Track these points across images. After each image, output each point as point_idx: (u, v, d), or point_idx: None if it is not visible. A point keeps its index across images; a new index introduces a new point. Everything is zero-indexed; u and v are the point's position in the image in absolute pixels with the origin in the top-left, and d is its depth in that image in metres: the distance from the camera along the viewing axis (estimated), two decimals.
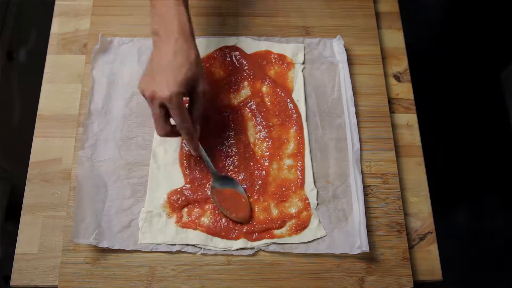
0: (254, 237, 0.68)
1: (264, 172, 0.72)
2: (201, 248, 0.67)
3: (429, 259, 0.71)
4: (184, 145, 0.73)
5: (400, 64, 0.84)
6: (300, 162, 0.73)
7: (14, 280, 0.67)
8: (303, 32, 0.83)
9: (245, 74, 0.78)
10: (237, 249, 0.67)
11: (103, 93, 0.76)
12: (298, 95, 0.78)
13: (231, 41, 0.81)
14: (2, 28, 0.96)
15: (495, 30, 1.57)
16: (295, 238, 0.68)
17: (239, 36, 0.82)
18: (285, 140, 0.74)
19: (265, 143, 0.74)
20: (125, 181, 0.71)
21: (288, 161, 0.73)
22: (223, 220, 0.68)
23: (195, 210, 0.69)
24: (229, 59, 0.79)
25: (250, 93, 0.77)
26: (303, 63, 0.80)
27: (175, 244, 0.67)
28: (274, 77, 0.79)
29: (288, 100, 0.77)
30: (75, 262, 0.66)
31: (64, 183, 0.72)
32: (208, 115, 0.74)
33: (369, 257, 0.68)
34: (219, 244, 0.67)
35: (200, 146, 0.67)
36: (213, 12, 0.84)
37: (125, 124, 0.74)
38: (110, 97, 0.76)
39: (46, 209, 0.71)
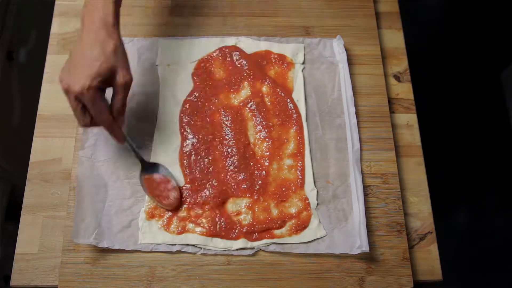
0: (254, 237, 0.68)
1: (264, 172, 0.72)
2: (201, 248, 0.67)
3: (429, 259, 0.71)
4: (183, 147, 0.73)
5: (400, 64, 0.84)
6: (300, 162, 0.73)
7: (14, 280, 0.67)
8: (303, 32, 0.83)
9: (245, 74, 0.78)
10: (237, 249, 0.67)
11: None
12: (298, 95, 0.78)
13: (231, 41, 0.81)
14: (2, 28, 0.96)
15: (495, 30, 1.57)
16: (295, 238, 0.68)
17: (239, 36, 0.82)
18: (285, 140, 0.74)
19: (265, 143, 0.74)
20: (125, 181, 0.71)
21: (288, 161, 0.73)
22: (223, 220, 0.68)
23: (194, 211, 0.69)
24: (229, 59, 0.79)
25: (250, 93, 0.77)
26: (303, 63, 0.80)
27: (175, 244, 0.67)
28: (274, 77, 0.79)
29: (288, 100, 0.77)
30: (75, 262, 0.66)
31: (64, 183, 0.72)
32: (208, 115, 0.75)
33: (369, 257, 0.68)
34: (219, 244, 0.67)
35: (126, 135, 0.66)
36: (213, 12, 0.84)
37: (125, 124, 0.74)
38: (110, 97, 0.76)
39: (46, 209, 0.71)
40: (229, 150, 0.73)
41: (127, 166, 0.72)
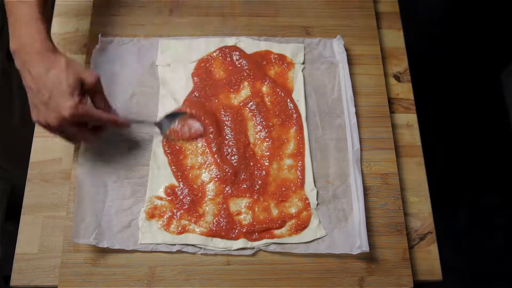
0: (254, 237, 0.68)
1: (264, 172, 0.72)
2: (201, 248, 0.67)
3: (429, 259, 0.71)
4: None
5: (400, 64, 0.84)
6: (300, 162, 0.73)
7: (14, 280, 0.67)
8: (303, 32, 0.83)
9: (245, 74, 0.78)
10: (237, 249, 0.67)
11: None
12: (298, 95, 0.78)
13: (231, 41, 0.81)
14: (2, 28, 0.96)
15: (495, 30, 1.57)
16: (295, 238, 0.68)
17: (239, 36, 0.82)
18: (285, 140, 0.74)
19: (265, 143, 0.74)
20: (125, 181, 0.71)
21: (288, 161, 0.73)
22: (223, 220, 0.68)
23: (194, 211, 0.69)
24: (229, 59, 0.79)
25: (250, 93, 0.77)
26: (303, 63, 0.80)
27: (175, 244, 0.67)
28: (274, 77, 0.79)
29: (288, 100, 0.77)
30: (75, 262, 0.66)
31: (64, 183, 0.72)
32: (208, 115, 0.75)
33: (369, 257, 0.68)
34: (219, 244, 0.67)
35: (128, 117, 0.69)
36: (213, 12, 0.84)
37: None
38: (110, 97, 0.76)
39: (46, 209, 0.71)
40: (229, 150, 0.73)
41: (127, 166, 0.72)
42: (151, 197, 0.69)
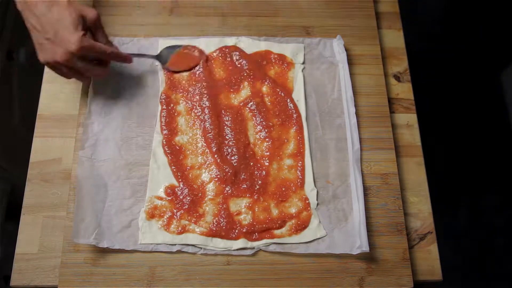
0: (254, 237, 0.68)
1: (264, 172, 0.72)
2: (201, 248, 0.67)
3: (429, 259, 0.71)
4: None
5: (400, 64, 0.84)
6: (300, 162, 0.73)
7: (14, 280, 0.67)
8: (303, 32, 0.83)
9: (245, 74, 0.78)
10: (237, 249, 0.67)
11: (103, 93, 0.76)
12: (298, 95, 0.78)
13: (231, 41, 0.81)
14: (2, 28, 0.96)
15: (495, 30, 1.57)
16: (295, 238, 0.68)
17: (239, 36, 0.82)
18: (285, 140, 0.74)
19: (265, 143, 0.74)
20: (125, 181, 0.71)
21: (288, 161, 0.73)
22: (223, 220, 0.68)
23: (194, 211, 0.69)
24: (229, 59, 0.79)
25: (250, 93, 0.77)
26: (303, 63, 0.80)
27: (175, 244, 0.67)
28: (274, 77, 0.79)
29: (288, 100, 0.77)
30: (75, 262, 0.66)
31: (64, 183, 0.72)
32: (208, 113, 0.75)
33: (369, 257, 0.68)
34: (219, 244, 0.67)
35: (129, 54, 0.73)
36: (213, 12, 0.84)
37: (125, 124, 0.74)
38: (110, 97, 0.76)
39: (46, 209, 0.71)
40: (229, 150, 0.73)
41: (127, 166, 0.72)
42: (151, 197, 0.69)
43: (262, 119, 0.75)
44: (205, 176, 0.71)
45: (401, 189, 0.73)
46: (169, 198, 0.69)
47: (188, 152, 0.73)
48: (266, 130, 0.74)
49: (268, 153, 0.73)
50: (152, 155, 0.72)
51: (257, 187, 0.71)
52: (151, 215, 0.68)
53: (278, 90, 0.77)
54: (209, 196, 0.70)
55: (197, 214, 0.69)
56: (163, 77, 0.78)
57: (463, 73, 1.59)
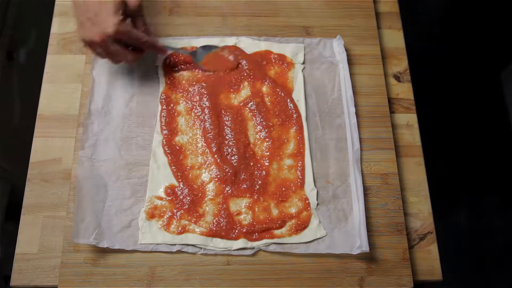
0: (254, 237, 0.68)
1: (264, 172, 0.72)
2: (201, 248, 0.67)
3: (429, 259, 0.71)
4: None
5: (400, 64, 0.84)
6: (300, 162, 0.73)
7: (14, 280, 0.67)
8: (303, 32, 0.83)
9: (245, 74, 0.78)
10: (237, 249, 0.67)
11: (103, 93, 0.76)
12: (298, 95, 0.78)
13: (231, 41, 0.81)
14: (2, 28, 0.96)
15: (495, 30, 1.57)
16: (295, 238, 0.68)
17: (239, 36, 0.82)
18: (285, 140, 0.74)
19: (265, 143, 0.74)
20: (125, 181, 0.71)
21: (288, 161, 0.73)
22: (223, 220, 0.68)
23: (194, 211, 0.69)
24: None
25: (250, 93, 0.77)
26: (303, 63, 0.80)
27: (175, 244, 0.67)
28: (274, 77, 0.79)
29: (288, 100, 0.77)
30: (75, 262, 0.66)
31: (64, 183, 0.72)
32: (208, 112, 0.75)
33: (369, 257, 0.68)
34: (219, 244, 0.67)
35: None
36: (213, 12, 0.84)
37: (125, 124, 0.74)
38: (110, 97, 0.76)
39: (46, 209, 0.71)
40: (229, 150, 0.73)
41: (127, 166, 0.72)
42: (151, 197, 0.69)
43: (262, 119, 0.75)
44: (205, 176, 0.71)
45: (401, 189, 0.73)
46: (169, 198, 0.69)
47: (188, 152, 0.73)
48: (266, 130, 0.74)
49: (268, 153, 0.73)
50: (152, 155, 0.72)
51: (257, 187, 0.71)
52: (151, 215, 0.68)
53: (278, 90, 0.77)
54: (209, 196, 0.70)
55: (197, 214, 0.69)
56: (163, 77, 0.78)
57: (463, 73, 1.59)
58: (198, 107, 0.76)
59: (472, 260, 1.41)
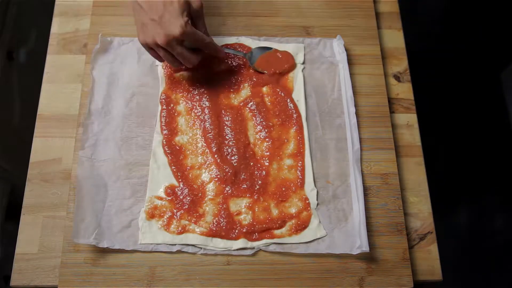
0: (254, 237, 0.68)
1: (264, 172, 0.72)
2: (201, 248, 0.67)
3: (429, 259, 0.71)
4: None
5: (400, 64, 0.84)
6: (300, 162, 0.73)
7: (14, 280, 0.67)
8: (303, 32, 0.83)
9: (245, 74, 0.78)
10: (237, 249, 0.67)
11: (103, 93, 0.76)
12: (298, 95, 0.78)
13: (231, 41, 0.81)
14: (2, 28, 0.96)
15: (495, 30, 1.57)
16: (295, 238, 0.68)
17: (239, 36, 0.82)
18: (285, 140, 0.74)
19: (265, 143, 0.74)
20: (125, 181, 0.71)
21: (288, 161, 0.73)
22: (223, 220, 0.68)
23: (194, 211, 0.69)
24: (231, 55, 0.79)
25: (250, 93, 0.77)
26: (303, 63, 0.81)
27: (175, 244, 0.67)
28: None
29: (288, 100, 0.77)
30: (75, 262, 0.66)
31: (64, 183, 0.72)
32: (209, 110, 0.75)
33: (369, 257, 0.68)
34: (219, 244, 0.67)
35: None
36: (213, 12, 0.84)
37: (125, 124, 0.74)
38: (110, 97, 0.76)
39: (46, 209, 0.71)
40: (229, 150, 0.73)
41: (127, 166, 0.72)
42: (151, 197, 0.69)
43: (262, 119, 0.75)
44: (205, 176, 0.71)
45: (401, 189, 0.73)
46: (169, 198, 0.69)
47: (188, 152, 0.73)
48: (266, 130, 0.74)
49: (268, 153, 0.73)
50: (152, 155, 0.72)
51: (257, 187, 0.71)
52: (151, 215, 0.68)
53: (278, 90, 0.77)
54: (209, 196, 0.70)
55: (197, 214, 0.69)
56: (163, 77, 0.78)
57: (463, 73, 1.59)
58: (198, 107, 0.76)
59: (472, 260, 1.41)
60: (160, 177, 0.71)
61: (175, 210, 0.69)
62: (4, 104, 1.03)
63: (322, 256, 0.68)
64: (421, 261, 0.70)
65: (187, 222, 0.68)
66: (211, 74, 0.78)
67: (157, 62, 0.79)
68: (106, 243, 0.66)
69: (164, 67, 0.78)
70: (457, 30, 1.60)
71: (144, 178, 0.71)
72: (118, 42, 0.80)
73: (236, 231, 0.68)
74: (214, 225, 0.68)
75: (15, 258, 0.68)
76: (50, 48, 0.82)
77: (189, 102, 0.76)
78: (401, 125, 0.79)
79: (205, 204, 0.69)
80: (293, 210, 0.70)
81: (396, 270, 0.68)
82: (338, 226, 0.69)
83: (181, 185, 0.70)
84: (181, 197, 0.70)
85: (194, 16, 0.67)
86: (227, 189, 0.70)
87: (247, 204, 0.70)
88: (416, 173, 0.76)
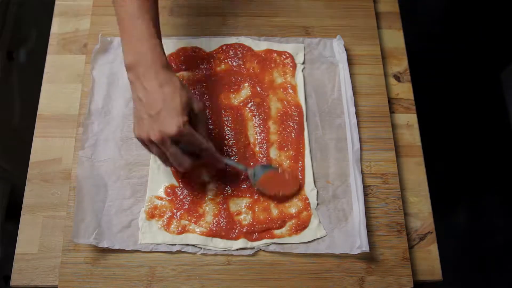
0: (254, 237, 0.68)
1: None
2: (201, 248, 0.67)
3: (429, 259, 0.71)
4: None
5: (400, 64, 0.84)
6: (300, 162, 0.73)
7: (14, 280, 0.67)
8: (303, 32, 0.83)
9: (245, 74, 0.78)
10: (237, 249, 0.67)
11: (103, 93, 0.76)
12: (298, 95, 0.77)
13: (231, 41, 0.81)
14: (2, 28, 0.96)
15: (495, 30, 1.57)
16: (295, 238, 0.68)
17: (239, 36, 0.82)
18: (285, 140, 0.74)
19: (265, 143, 0.74)
20: (125, 181, 0.71)
21: (288, 161, 0.73)
22: (223, 220, 0.68)
23: (194, 211, 0.69)
24: (232, 54, 0.79)
25: (250, 93, 0.77)
26: (303, 63, 0.80)
27: (175, 244, 0.67)
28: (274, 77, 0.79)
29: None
30: (75, 262, 0.66)
31: (64, 183, 0.72)
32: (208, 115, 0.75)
33: (369, 257, 0.68)
34: (219, 244, 0.67)
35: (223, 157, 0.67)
36: (213, 12, 0.84)
37: (125, 124, 0.74)
38: (110, 97, 0.76)
39: (46, 209, 0.71)
40: (229, 150, 0.73)
41: (127, 166, 0.72)
42: (151, 197, 0.69)
43: (262, 119, 0.75)
44: (205, 176, 0.71)
45: (401, 189, 0.73)
46: (169, 198, 0.69)
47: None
48: (266, 130, 0.74)
49: (268, 153, 0.73)
50: (152, 155, 0.72)
51: None
52: (151, 215, 0.68)
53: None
54: (209, 196, 0.70)
55: (197, 214, 0.69)
56: None
57: (463, 73, 1.59)
58: None
59: (472, 260, 1.41)
60: (160, 177, 0.71)
61: (175, 210, 0.69)
62: (4, 104, 1.03)
63: (322, 256, 0.68)
64: (421, 261, 0.70)
65: (187, 222, 0.68)
66: (211, 74, 0.78)
67: None
68: (106, 243, 0.66)
69: None
70: (457, 30, 1.60)
71: (144, 178, 0.71)
72: (118, 42, 0.80)
73: (236, 231, 0.68)
74: (214, 225, 0.68)
75: (15, 258, 0.68)
76: (50, 48, 0.82)
77: None
78: (401, 125, 0.79)
79: (205, 204, 0.69)
80: (293, 210, 0.70)
81: (396, 270, 0.68)
82: (338, 226, 0.69)
83: (181, 185, 0.70)
84: (181, 197, 0.70)
85: (194, 118, 0.62)
86: (227, 189, 0.70)
87: (247, 204, 0.70)
88: (416, 173, 0.76)
